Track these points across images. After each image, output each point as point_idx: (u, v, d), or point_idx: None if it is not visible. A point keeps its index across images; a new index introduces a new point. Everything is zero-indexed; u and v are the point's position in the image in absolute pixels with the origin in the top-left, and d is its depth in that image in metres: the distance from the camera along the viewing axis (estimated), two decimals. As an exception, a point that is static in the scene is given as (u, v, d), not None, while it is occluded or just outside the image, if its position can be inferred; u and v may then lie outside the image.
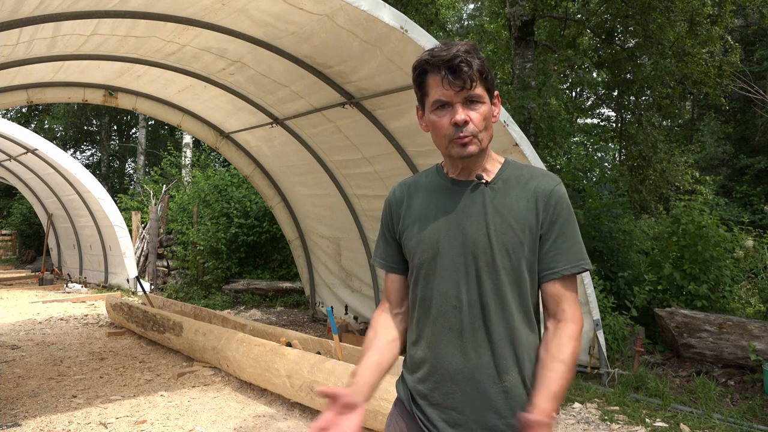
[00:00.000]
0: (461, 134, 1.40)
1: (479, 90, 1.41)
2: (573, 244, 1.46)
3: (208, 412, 4.37)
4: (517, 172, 1.50)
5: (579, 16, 12.06)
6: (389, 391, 3.47)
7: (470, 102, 1.41)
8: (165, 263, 11.67)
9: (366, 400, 1.43)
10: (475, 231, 1.43)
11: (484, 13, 20.00)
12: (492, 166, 1.51)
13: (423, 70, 1.44)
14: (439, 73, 1.40)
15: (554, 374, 1.35)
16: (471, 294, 1.42)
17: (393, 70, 4.57)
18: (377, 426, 3.56)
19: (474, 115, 1.41)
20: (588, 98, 18.02)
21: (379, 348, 1.52)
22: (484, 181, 1.47)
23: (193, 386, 5.00)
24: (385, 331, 1.56)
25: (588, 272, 4.18)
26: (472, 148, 1.42)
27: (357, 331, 6.57)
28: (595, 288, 5.61)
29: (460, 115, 1.39)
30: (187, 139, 16.67)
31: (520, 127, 5.58)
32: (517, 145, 4.41)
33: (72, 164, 10.50)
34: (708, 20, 10.04)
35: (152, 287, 11.03)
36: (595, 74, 14.48)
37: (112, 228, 10.92)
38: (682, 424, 4.18)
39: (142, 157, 21.22)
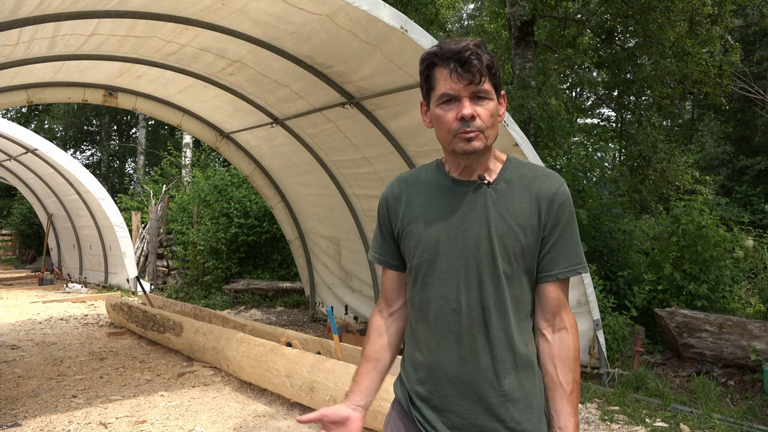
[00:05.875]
0: (467, 128, 1.37)
1: (487, 85, 1.37)
2: (572, 247, 1.45)
3: (208, 412, 4.37)
4: (520, 172, 1.47)
5: (579, 16, 12.06)
6: (389, 391, 3.46)
7: (478, 97, 1.37)
8: (165, 263, 11.67)
9: (365, 405, 1.52)
10: (476, 234, 1.40)
11: (484, 13, 20.01)
12: (494, 166, 1.47)
13: (431, 62, 1.40)
14: (447, 66, 1.36)
15: (571, 403, 1.43)
16: (471, 297, 1.40)
17: (393, 70, 4.57)
18: (377, 426, 3.56)
19: (481, 111, 1.37)
20: (588, 98, 18.03)
21: (374, 357, 1.57)
22: (486, 182, 1.44)
23: (193, 386, 5.00)
24: (378, 338, 1.59)
25: (588, 272, 4.18)
26: (477, 144, 1.38)
27: (357, 331, 6.57)
28: (595, 288, 5.61)
29: (467, 108, 1.35)
30: (187, 139, 16.67)
31: (520, 127, 5.58)
32: (517, 145, 4.41)
33: (72, 164, 10.50)
34: (708, 20, 10.04)
35: (152, 287, 11.03)
36: (595, 74, 14.49)
37: (112, 228, 10.92)
38: (682, 424, 4.18)
39: (142, 157, 21.22)
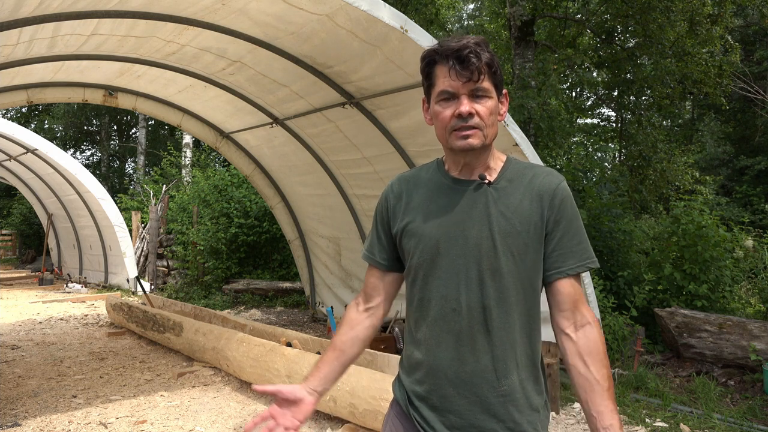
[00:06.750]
0: (463, 125, 1.37)
1: (487, 84, 1.38)
2: (579, 242, 1.44)
3: (208, 412, 4.37)
4: (520, 171, 1.47)
5: (579, 16, 12.07)
6: (389, 391, 3.46)
7: (477, 95, 1.38)
8: (165, 263, 11.67)
9: (321, 391, 1.53)
10: (478, 233, 1.40)
11: (484, 13, 20.02)
12: (495, 165, 1.47)
13: (431, 59, 1.41)
14: (447, 63, 1.37)
15: (612, 398, 1.38)
16: (471, 297, 1.39)
17: (393, 70, 4.57)
18: (377, 426, 3.56)
19: (480, 108, 1.37)
20: (588, 98, 18.04)
21: (339, 347, 1.57)
22: (486, 181, 1.43)
23: (193, 386, 5.00)
24: (348, 330, 1.60)
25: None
26: (474, 141, 1.38)
27: (357, 331, 6.56)
28: (595, 288, 5.61)
29: (465, 106, 1.36)
30: (187, 139, 16.67)
31: (520, 127, 5.58)
32: (517, 145, 4.41)
33: (72, 164, 10.50)
34: (708, 20, 10.04)
35: (152, 287, 11.03)
36: (595, 74, 14.49)
37: (112, 228, 10.93)
38: (682, 424, 4.18)
39: (142, 157, 21.22)
